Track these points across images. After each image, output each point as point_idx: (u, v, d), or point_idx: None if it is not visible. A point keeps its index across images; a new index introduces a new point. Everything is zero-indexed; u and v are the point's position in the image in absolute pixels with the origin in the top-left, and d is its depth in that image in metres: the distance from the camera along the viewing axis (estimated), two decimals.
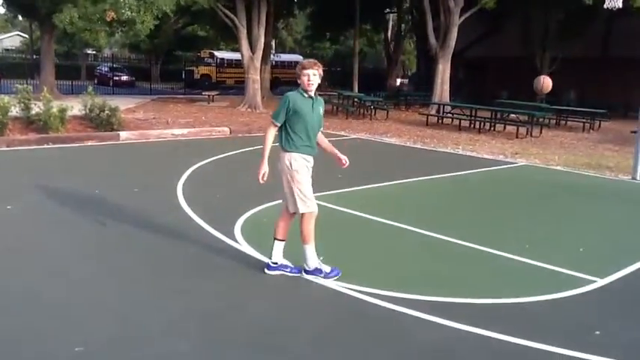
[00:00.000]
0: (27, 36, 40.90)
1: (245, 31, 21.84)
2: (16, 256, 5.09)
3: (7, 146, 11.26)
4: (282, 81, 36.17)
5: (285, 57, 40.49)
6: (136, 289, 4.49)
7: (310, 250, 4.79)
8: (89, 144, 12.19)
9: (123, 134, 13.07)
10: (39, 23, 22.45)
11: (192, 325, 3.88)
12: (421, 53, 34.53)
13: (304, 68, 4.65)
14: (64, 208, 6.81)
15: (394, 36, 35.86)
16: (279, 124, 4.70)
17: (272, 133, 4.74)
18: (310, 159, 4.81)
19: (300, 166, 4.70)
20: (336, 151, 5.02)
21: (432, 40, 22.43)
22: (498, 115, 17.93)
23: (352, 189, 8.45)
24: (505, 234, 6.57)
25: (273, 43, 32.08)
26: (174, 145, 12.78)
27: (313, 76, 4.63)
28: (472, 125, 17.81)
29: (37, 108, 12.49)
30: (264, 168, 4.73)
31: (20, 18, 39.55)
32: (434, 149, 13.47)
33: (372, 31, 37.31)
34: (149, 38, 37.90)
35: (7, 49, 43.33)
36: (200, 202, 7.27)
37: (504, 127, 17.67)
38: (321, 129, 4.93)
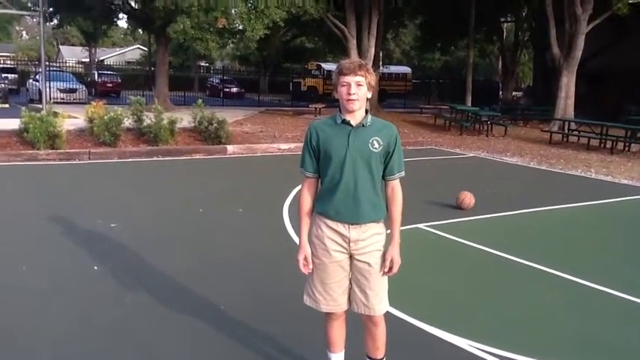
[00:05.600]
0: (146, 49, 43.09)
1: (355, 42, 21.31)
2: (113, 281, 4.68)
3: (119, 158, 11.33)
4: (390, 93, 35.36)
5: (393, 69, 39.71)
6: (232, 330, 3.87)
7: None
8: (197, 157, 12.07)
9: (230, 148, 12.87)
10: (155, 35, 23.21)
11: None
12: (538, 64, 32.41)
13: (342, 74, 2.79)
14: (165, 228, 6.46)
15: (510, 46, 33.98)
16: (310, 174, 2.95)
17: (305, 190, 2.99)
18: (341, 227, 2.89)
19: (317, 237, 2.95)
20: (395, 242, 2.94)
21: (556, 49, 20.69)
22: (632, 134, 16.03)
23: (475, 217, 7.49)
24: None
25: (380, 54, 31.43)
26: (281, 159, 12.37)
27: (357, 87, 2.78)
28: (602, 145, 16.04)
29: (148, 120, 12.56)
30: (303, 251, 2.99)
31: (141, 32, 41.68)
32: (562, 172, 12.07)
33: (485, 41, 35.55)
34: (258, 50, 38.70)
35: (128, 62, 45.93)
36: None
37: None
38: (392, 178, 2.94)
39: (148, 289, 4.61)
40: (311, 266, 2.98)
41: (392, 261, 2.91)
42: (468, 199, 7.82)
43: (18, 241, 5.83)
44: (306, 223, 3.01)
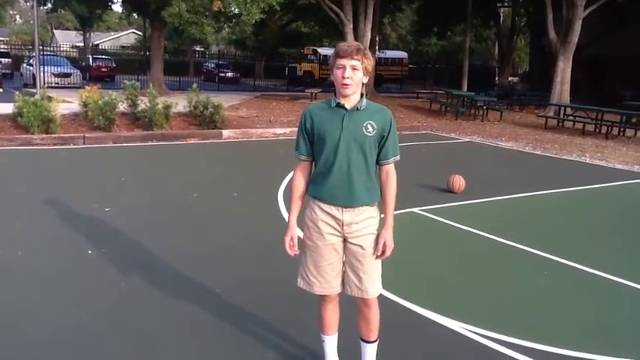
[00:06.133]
0: (141, 33, 42.79)
1: (351, 26, 21.21)
2: (108, 266, 4.69)
3: (114, 142, 11.30)
4: (386, 78, 35.23)
5: (390, 53, 39.50)
6: (226, 314, 3.89)
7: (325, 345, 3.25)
8: (192, 142, 12.05)
9: (225, 132, 12.85)
10: (150, 20, 23.04)
11: None
12: (535, 50, 32.38)
13: (339, 56, 2.76)
14: (160, 213, 6.47)
15: (507, 31, 33.90)
16: (304, 157, 2.96)
17: (298, 173, 2.99)
18: (334, 210, 2.89)
19: (311, 219, 2.97)
20: (388, 225, 2.93)
21: (552, 35, 20.64)
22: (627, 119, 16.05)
23: (469, 202, 7.51)
24: None
25: (377, 39, 31.27)
26: (276, 144, 12.35)
27: (352, 71, 2.75)
28: (597, 130, 16.07)
29: (143, 104, 12.51)
30: (290, 232, 3.00)
31: (136, 16, 41.34)
32: (557, 156, 12.11)
33: (482, 26, 35.43)
34: (254, 35, 38.47)
35: (123, 46, 45.63)
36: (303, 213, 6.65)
37: (635, 133, 15.82)
38: (386, 162, 2.93)
39: (142, 273, 4.62)
40: (296, 248, 2.98)
41: (384, 244, 2.91)
42: (458, 180, 7.86)
43: (13, 225, 5.81)
44: (296, 205, 3.00)
